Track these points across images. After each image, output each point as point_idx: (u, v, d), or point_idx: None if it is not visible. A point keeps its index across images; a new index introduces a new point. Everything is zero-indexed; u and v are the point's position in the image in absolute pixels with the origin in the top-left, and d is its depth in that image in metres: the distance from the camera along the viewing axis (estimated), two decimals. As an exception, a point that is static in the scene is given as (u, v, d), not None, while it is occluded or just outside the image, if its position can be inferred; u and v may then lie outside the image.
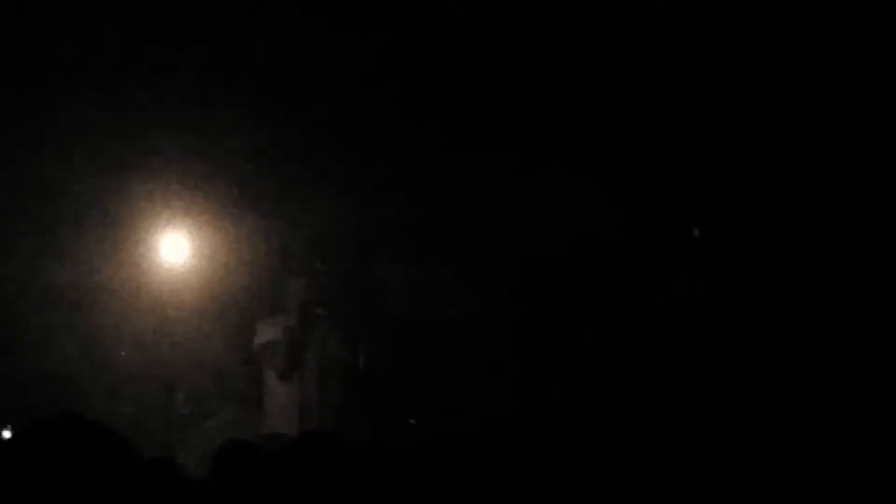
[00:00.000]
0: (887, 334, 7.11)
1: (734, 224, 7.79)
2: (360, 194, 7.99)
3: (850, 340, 7.17)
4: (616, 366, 7.71)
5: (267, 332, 7.14)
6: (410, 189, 7.98)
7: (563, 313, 8.03)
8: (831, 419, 6.67)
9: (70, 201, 7.80)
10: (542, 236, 7.84)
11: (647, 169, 7.75)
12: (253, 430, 6.91)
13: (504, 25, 7.53)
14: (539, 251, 7.96)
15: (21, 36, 7.41)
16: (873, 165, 7.37)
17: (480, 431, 7.26)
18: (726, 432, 6.70)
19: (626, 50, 7.51)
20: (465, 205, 7.97)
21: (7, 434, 7.71)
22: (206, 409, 7.80)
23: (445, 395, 7.86)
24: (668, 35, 7.45)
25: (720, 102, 7.55)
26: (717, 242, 7.83)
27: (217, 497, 3.80)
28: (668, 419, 7.07)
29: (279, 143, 7.99)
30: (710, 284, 7.64)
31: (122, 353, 7.96)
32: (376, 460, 3.22)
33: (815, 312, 7.33)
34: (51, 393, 7.65)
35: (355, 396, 7.20)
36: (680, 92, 7.58)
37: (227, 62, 7.61)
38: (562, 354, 7.89)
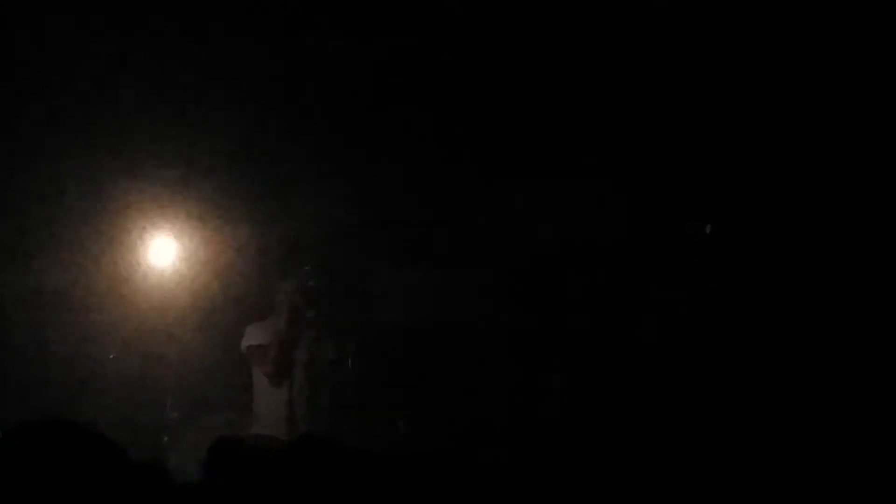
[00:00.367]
0: (889, 335, 7.11)
1: (736, 225, 7.78)
2: (351, 195, 7.98)
3: (852, 342, 7.17)
4: (615, 368, 7.70)
5: (257, 335, 7.12)
6: (404, 189, 7.98)
7: (560, 316, 8.01)
8: (833, 420, 6.67)
9: (56, 205, 7.79)
10: (540, 237, 7.84)
11: (647, 169, 7.74)
12: (242, 433, 6.90)
13: (504, 25, 7.53)
14: (536, 252, 7.95)
15: (8, 33, 7.39)
16: (875, 165, 7.37)
17: (470, 436, 7.28)
18: (727, 434, 6.70)
19: (626, 50, 7.51)
20: (460, 206, 7.96)
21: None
22: (196, 413, 7.78)
23: (436, 399, 7.85)
24: (668, 35, 7.45)
25: (720, 103, 7.55)
26: (723, 243, 7.82)
27: (207, 499, 3.79)
28: (668, 422, 7.07)
29: (268, 144, 7.98)
30: (714, 287, 7.62)
31: (112, 356, 7.95)
32: (363, 465, 3.22)
33: (818, 314, 7.31)
34: (39, 396, 7.64)
35: (344, 400, 7.19)
36: (680, 92, 7.58)
37: (219, 63, 7.60)
38: (558, 359, 7.87)
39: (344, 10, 7.45)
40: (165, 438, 7.63)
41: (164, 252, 7.94)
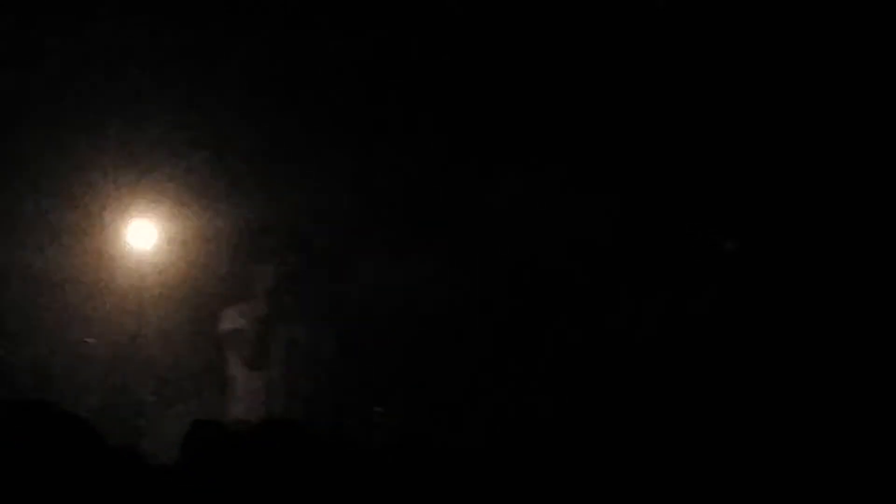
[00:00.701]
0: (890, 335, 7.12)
1: (736, 224, 7.78)
2: (335, 178, 7.95)
3: (852, 341, 7.18)
4: (612, 367, 7.68)
5: (234, 319, 7.11)
6: (392, 176, 7.94)
7: (553, 314, 7.98)
8: (833, 420, 6.69)
9: (34, 189, 7.75)
10: (537, 235, 7.82)
11: (646, 169, 7.72)
12: (219, 418, 6.89)
13: (503, 25, 7.52)
14: (529, 249, 7.93)
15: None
16: (875, 165, 7.38)
17: (450, 423, 7.28)
18: (727, 434, 6.71)
19: (626, 50, 7.50)
20: (453, 198, 7.93)
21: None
22: (173, 397, 7.77)
23: (418, 388, 7.83)
24: (668, 35, 7.44)
25: (721, 103, 7.55)
26: (722, 242, 7.81)
27: (184, 483, 3.79)
28: (667, 422, 7.06)
29: (248, 128, 7.95)
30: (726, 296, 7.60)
31: (89, 341, 7.92)
32: (339, 450, 3.22)
33: (818, 314, 7.32)
34: (15, 381, 7.61)
35: (321, 385, 7.18)
36: (680, 92, 7.57)
37: (213, 55, 7.59)
38: (550, 356, 7.85)
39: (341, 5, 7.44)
40: (142, 422, 7.62)
41: (140, 235, 7.90)
